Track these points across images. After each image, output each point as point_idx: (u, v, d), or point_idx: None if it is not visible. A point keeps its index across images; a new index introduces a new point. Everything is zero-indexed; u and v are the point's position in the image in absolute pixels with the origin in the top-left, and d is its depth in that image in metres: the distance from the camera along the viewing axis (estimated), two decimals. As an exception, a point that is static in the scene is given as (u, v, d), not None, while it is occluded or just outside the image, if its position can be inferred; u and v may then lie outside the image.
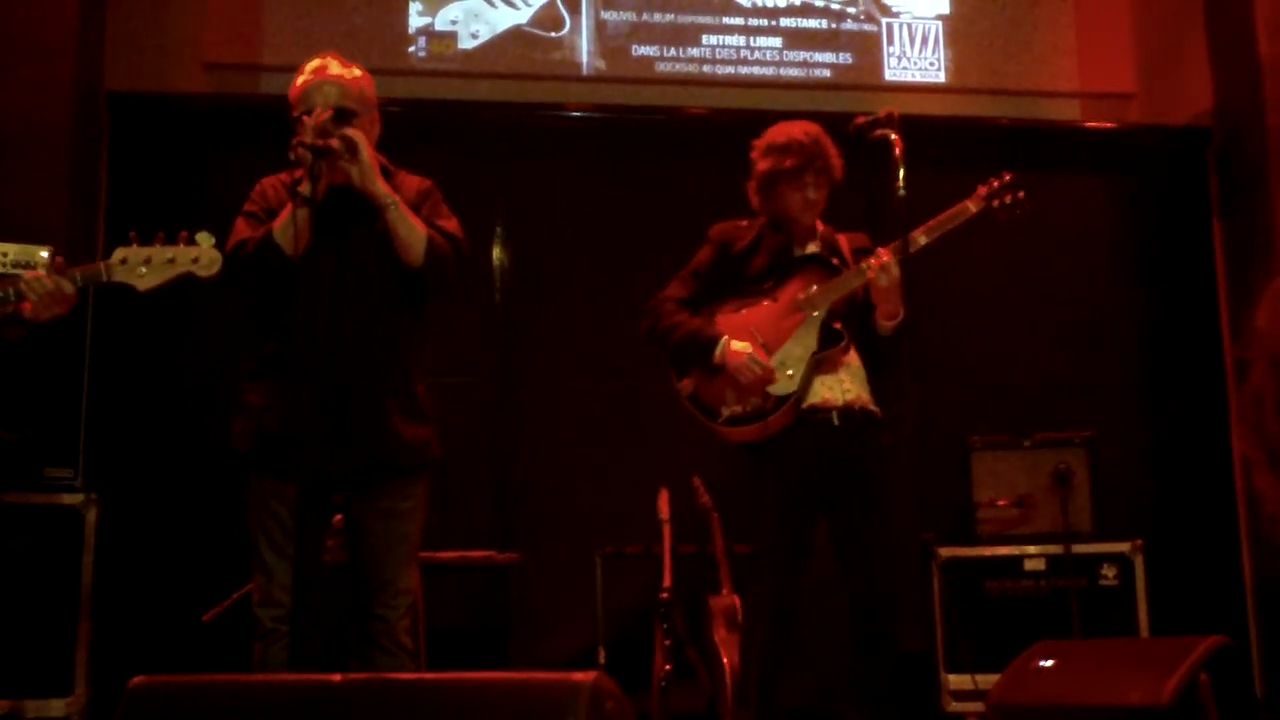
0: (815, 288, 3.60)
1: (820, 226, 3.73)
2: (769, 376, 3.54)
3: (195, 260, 2.86)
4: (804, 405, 3.53)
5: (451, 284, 3.18)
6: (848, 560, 3.52)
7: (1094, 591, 4.55)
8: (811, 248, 3.71)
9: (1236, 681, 2.84)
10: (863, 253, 3.66)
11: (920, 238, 3.56)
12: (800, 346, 3.56)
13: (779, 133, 3.68)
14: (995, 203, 3.67)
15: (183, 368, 4.94)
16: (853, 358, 3.62)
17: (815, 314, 3.58)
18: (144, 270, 2.85)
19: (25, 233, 4.17)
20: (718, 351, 3.57)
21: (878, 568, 3.48)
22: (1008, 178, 3.69)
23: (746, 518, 3.73)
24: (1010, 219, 3.68)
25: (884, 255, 3.51)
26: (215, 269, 2.87)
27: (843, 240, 3.74)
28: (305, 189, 2.89)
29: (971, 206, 3.65)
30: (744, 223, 3.78)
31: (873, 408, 3.60)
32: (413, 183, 3.24)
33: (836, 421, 3.54)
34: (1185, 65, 5.82)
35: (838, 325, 3.58)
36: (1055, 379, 5.49)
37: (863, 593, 3.48)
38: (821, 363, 3.56)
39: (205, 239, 2.88)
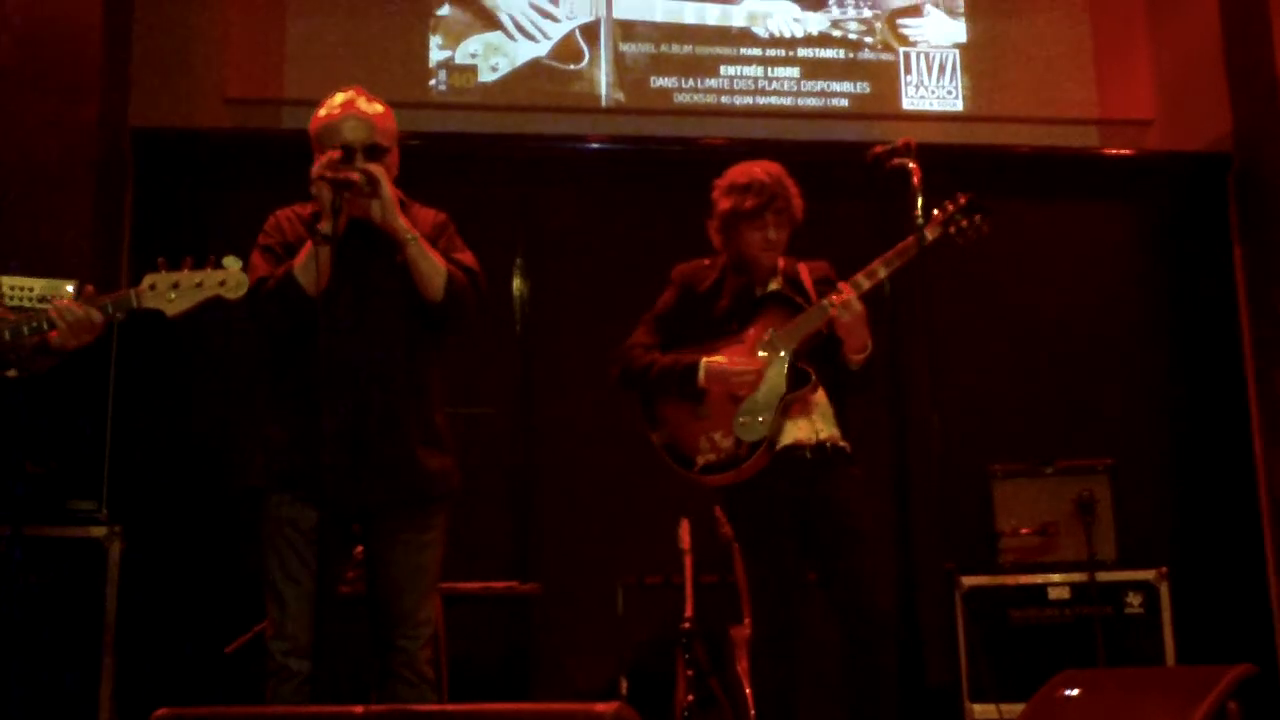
0: (779, 328, 3.56)
1: (781, 262, 3.69)
2: (758, 376, 3.51)
3: (222, 283, 2.88)
4: (777, 448, 3.50)
5: (470, 318, 3.19)
6: (832, 590, 3.48)
7: (1119, 620, 4.51)
8: (773, 285, 3.67)
9: (1266, 710, 2.81)
10: (824, 284, 3.63)
11: (879, 269, 3.52)
12: (769, 389, 3.51)
13: (740, 172, 3.65)
14: (952, 228, 3.57)
15: (205, 401, 4.97)
16: (820, 396, 3.58)
17: (781, 354, 3.54)
18: (173, 295, 2.88)
19: (51, 267, 4.21)
20: (701, 374, 3.54)
21: (861, 592, 3.43)
22: (963, 201, 3.59)
23: (728, 557, 3.71)
24: (969, 244, 3.59)
25: (846, 292, 3.47)
26: (242, 291, 2.89)
27: (804, 270, 3.69)
28: (325, 226, 2.91)
29: (929, 234, 3.55)
30: (706, 262, 3.75)
31: (843, 443, 3.57)
32: (428, 216, 3.25)
33: (809, 456, 3.51)
34: (1204, 90, 5.81)
35: (803, 365, 3.54)
36: (1076, 406, 5.47)
37: (850, 619, 3.43)
38: (791, 404, 3.52)
39: (232, 262, 2.91)
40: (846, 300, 3.46)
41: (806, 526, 3.51)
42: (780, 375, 3.53)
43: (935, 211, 3.60)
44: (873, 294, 3.54)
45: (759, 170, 3.63)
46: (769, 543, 3.50)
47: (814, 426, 3.55)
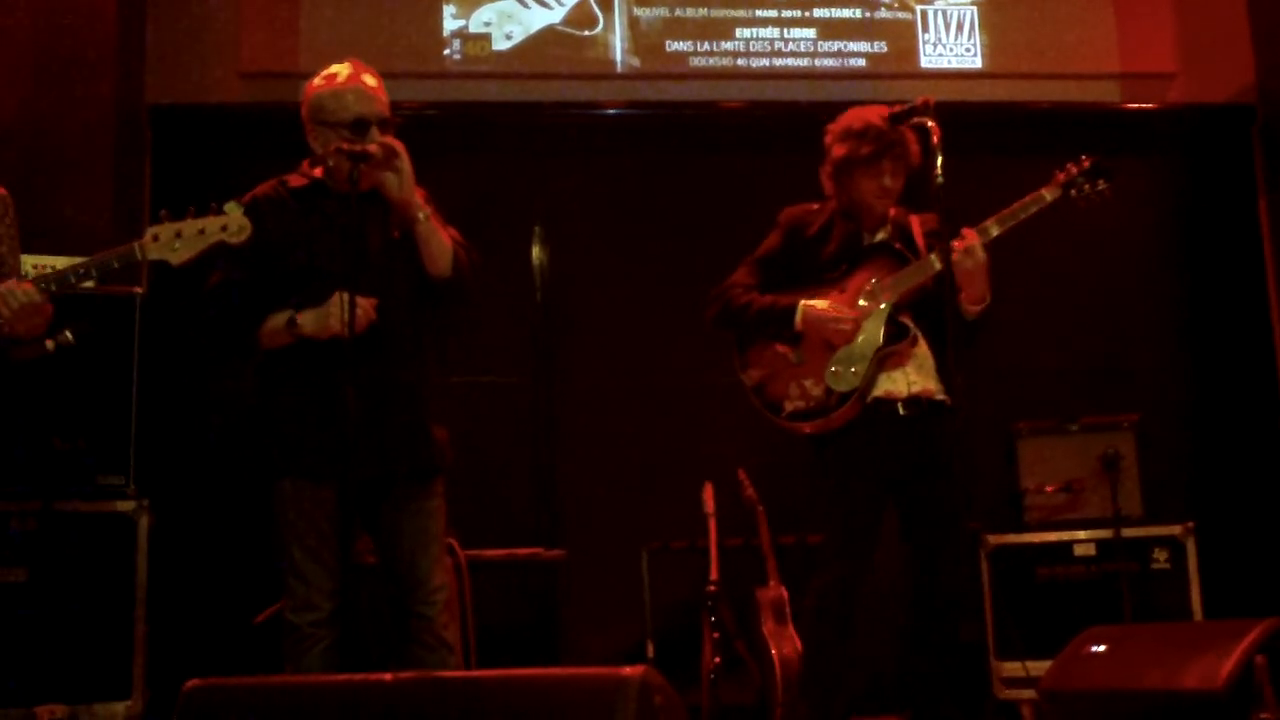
0: (883, 279, 3.50)
1: (892, 211, 3.61)
2: (855, 326, 3.47)
3: (224, 228, 2.87)
4: (868, 399, 3.46)
5: (471, 293, 3.21)
6: (917, 550, 3.45)
7: (1145, 575, 4.50)
8: (881, 235, 3.60)
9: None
10: (935, 236, 3.50)
11: (992, 227, 3.45)
12: (865, 340, 3.47)
13: (855, 118, 3.57)
14: (1074, 191, 3.52)
15: (229, 374, 4.98)
16: (921, 348, 3.51)
17: (882, 307, 3.49)
18: (176, 245, 2.86)
19: (71, 245, 4.21)
20: (798, 316, 3.50)
21: (946, 560, 3.40)
22: (1086, 164, 3.53)
23: (814, 508, 3.66)
24: (1090, 208, 3.53)
25: (970, 238, 3.39)
26: (245, 236, 2.88)
27: (915, 222, 3.61)
28: (305, 321, 3.00)
29: (1047, 195, 3.50)
30: (814, 206, 3.68)
31: (940, 396, 3.50)
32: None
33: (902, 411, 3.46)
34: (1227, 42, 5.73)
35: (904, 318, 3.49)
36: (1101, 363, 5.44)
37: (929, 583, 3.41)
38: (886, 358, 3.47)
39: (233, 208, 2.89)
40: (970, 246, 3.39)
41: (899, 484, 3.47)
42: (878, 327, 3.48)
43: (1058, 172, 3.54)
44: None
45: (874, 116, 3.53)
46: (852, 495, 3.45)
47: (908, 379, 3.49)
